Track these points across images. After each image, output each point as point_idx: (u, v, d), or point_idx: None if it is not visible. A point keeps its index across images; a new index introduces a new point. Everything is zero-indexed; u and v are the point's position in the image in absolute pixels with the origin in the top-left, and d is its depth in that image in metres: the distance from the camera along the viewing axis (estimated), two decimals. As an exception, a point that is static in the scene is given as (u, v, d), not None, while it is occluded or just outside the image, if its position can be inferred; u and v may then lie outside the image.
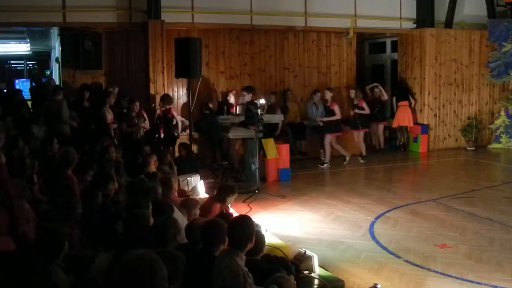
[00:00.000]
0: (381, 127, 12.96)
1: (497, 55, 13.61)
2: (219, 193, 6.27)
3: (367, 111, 12.09)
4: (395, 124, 13.29)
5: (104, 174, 6.38)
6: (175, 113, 10.60)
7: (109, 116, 9.45)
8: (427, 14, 13.42)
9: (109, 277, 2.62)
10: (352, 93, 12.21)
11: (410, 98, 13.41)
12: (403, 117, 13.19)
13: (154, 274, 2.50)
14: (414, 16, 13.68)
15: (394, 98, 13.48)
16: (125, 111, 9.95)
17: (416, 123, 13.53)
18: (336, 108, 11.58)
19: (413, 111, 13.51)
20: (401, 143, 13.70)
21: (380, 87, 12.90)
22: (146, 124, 9.88)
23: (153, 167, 7.34)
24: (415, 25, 13.66)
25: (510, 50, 13.46)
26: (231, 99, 11.33)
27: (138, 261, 2.51)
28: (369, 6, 13.11)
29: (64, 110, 9.18)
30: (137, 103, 9.80)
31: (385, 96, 12.90)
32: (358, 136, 12.16)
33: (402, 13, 13.64)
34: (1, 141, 5.60)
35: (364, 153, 12.19)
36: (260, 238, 4.39)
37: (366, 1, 13.12)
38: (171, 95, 10.84)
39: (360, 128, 12.10)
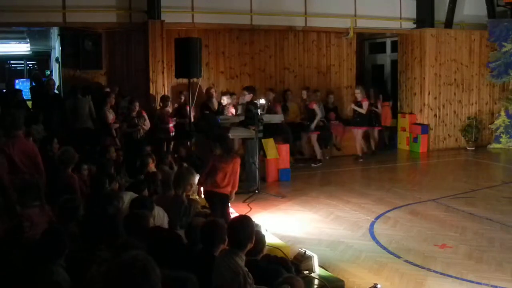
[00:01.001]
0: (359, 132, 12.14)
1: (497, 55, 13.61)
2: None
3: (319, 114, 11.75)
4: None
5: (104, 173, 6.38)
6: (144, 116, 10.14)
7: (111, 116, 9.46)
8: (427, 14, 13.42)
9: (106, 278, 2.64)
10: (304, 94, 12.04)
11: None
12: (385, 117, 13.16)
13: (148, 275, 2.52)
14: (414, 16, 13.68)
15: (381, 96, 13.32)
16: (125, 111, 9.95)
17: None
18: (278, 110, 11.42)
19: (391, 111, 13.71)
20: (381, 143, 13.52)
21: (359, 90, 12.09)
22: (146, 125, 9.88)
23: (152, 167, 7.34)
24: (415, 25, 13.67)
25: (510, 50, 13.46)
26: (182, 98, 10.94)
27: (133, 262, 2.53)
28: (369, 6, 13.11)
29: (92, 107, 9.63)
30: (137, 103, 9.80)
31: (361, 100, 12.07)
32: (311, 138, 11.80)
33: (402, 13, 13.64)
34: None
35: (318, 157, 11.79)
36: (260, 239, 4.39)
37: (366, 1, 13.12)
38: (135, 100, 10.11)
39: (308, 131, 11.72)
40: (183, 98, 10.81)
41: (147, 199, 5.42)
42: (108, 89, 10.11)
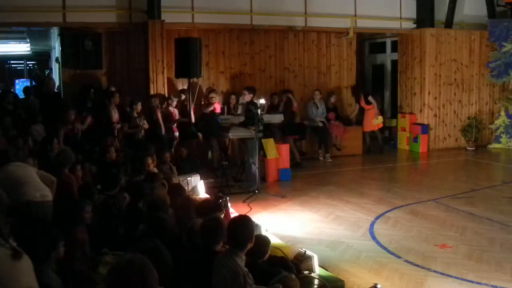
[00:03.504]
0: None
1: (497, 55, 13.60)
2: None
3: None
4: (365, 128, 13.11)
5: (107, 174, 6.38)
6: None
7: (115, 115, 9.47)
8: (427, 14, 13.41)
9: (107, 279, 2.67)
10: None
11: (372, 101, 13.08)
12: (368, 121, 13.03)
13: (144, 278, 2.54)
14: (414, 16, 13.67)
15: (367, 97, 13.17)
16: (128, 109, 9.93)
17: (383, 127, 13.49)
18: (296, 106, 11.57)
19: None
20: (369, 146, 13.20)
21: (214, 94, 11.26)
22: (145, 124, 9.88)
23: (151, 167, 7.32)
24: (415, 25, 13.66)
25: (510, 50, 13.46)
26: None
27: (128, 265, 2.55)
28: (369, 6, 13.11)
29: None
30: (139, 104, 9.80)
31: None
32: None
33: (402, 13, 13.64)
34: None
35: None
36: (264, 243, 4.37)
37: (366, 1, 13.11)
38: (137, 100, 9.99)
39: None
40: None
41: (162, 201, 5.38)
42: (113, 89, 10.11)
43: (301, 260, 4.97)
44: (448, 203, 8.36)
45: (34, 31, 13.29)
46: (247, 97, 10.85)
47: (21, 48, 16.89)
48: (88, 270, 4.10)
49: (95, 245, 4.63)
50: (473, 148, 13.55)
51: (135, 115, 9.72)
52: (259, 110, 9.10)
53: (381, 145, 13.31)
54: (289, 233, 6.87)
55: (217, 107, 11.04)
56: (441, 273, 5.50)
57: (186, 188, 7.79)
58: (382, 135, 13.85)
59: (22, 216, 4.80)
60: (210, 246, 4.03)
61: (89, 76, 10.91)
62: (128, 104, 10.00)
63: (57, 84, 11.49)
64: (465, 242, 6.48)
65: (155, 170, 7.43)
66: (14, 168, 5.41)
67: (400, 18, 13.65)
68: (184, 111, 10.67)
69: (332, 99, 12.68)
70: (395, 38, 14.65)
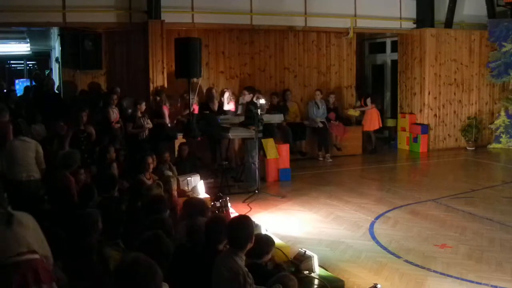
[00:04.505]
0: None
1: (497, 55, 13.60)
2: None
3: None
4: (365, 128, 13.12)
5: (106, 174, 6.38)
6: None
7: (114, 115, 9.45)
8: (427, 14, 13.41)
9: (114, 276, 2.69)
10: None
11: (369, 104, 13.06)
12: (370, 121, 13.01)
13: (149, 277, 2.54)
14: (414, 16, 13.68)
15: (366, 99, 13.19)
16: (129, 111, 9.92)
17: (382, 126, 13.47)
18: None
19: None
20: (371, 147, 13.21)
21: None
22: (149, 124, 9.87)
23: (151, 167, 7.31)
24: (415, 25, 13.66)
25: (510, 50, 13.45)
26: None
27: (133, 264, 2.55)
28: (369, 6, 13.10)
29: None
30: (144, 104, 9.77)
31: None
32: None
33: (402, 13, 13.64)
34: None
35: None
36: (263, 242, 4.36)
37: (366, 1, 13.11)
38: (141, 100, 9.93)
39: None
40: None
41: (159, 201, 5.36)
42: (117, 89, 10.10)
43: (301, 260, 4.97)
44: (448, 203, 8.36)
45: (34, 31, 13.30)
46: (247, 97, 10.85)
47: (21, 48, 16.89)
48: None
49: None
50: (473, 148, 13.55)
51: (139, 115, 9.70)
52: (259, 110, 9.10)
53: (373, 147, 13.21)
54: (289, 233, 6.87)
55: (196, 109, 11.03)
56: (441, 273, 5.50)
57: (186, 188, 7.80)
58: (382, 135, 13.85)
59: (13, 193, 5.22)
60: (214, 245, 4.04)
61: (89, 76, 10.94)
62: (131, 104, 10.01)
63: (57, 84, 11.49)
64: (465, 242, 6.48)
65: (169, 173, 7.48)
66: (17, 145, 6.18)
67: (400, 18, 13.64)
68: (158, 113, 10.52)
69: (332, 99, 12.68)
70: (395, 38, 14.65)
